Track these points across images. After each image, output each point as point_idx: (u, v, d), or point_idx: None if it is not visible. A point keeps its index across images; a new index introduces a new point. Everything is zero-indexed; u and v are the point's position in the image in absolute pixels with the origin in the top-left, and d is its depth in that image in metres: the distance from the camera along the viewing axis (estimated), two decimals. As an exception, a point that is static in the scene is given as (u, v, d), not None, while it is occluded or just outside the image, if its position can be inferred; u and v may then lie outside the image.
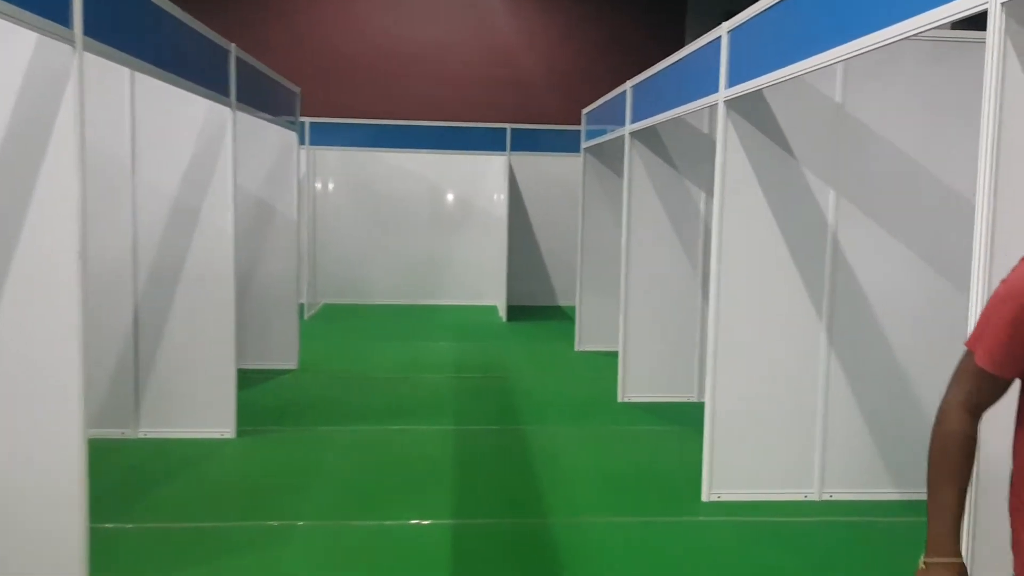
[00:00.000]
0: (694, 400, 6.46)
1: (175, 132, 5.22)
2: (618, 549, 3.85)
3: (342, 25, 12.71)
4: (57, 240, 2.93)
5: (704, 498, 4.41)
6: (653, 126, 5.95)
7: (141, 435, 5.31)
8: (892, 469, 4.45)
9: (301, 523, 4.05)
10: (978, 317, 1.58)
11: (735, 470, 4.41)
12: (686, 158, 6.37)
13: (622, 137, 6.60)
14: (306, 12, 12.64)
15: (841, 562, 3.77)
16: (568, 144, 10.21)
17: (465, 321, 10.61)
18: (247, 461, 4.97)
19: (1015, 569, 1.61)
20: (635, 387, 6.48)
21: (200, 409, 5.33)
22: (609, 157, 8.28)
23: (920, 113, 4.32)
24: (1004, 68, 2.14)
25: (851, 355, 4.40)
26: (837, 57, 3.10)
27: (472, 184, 12.03)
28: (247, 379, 6.63)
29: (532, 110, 12.53)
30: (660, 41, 12.32)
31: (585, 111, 8.49)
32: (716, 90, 4.29)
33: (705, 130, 6.32)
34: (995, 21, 2.14)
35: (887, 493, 4.46)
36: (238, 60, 5.24)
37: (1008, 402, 1.62)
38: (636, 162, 6.34)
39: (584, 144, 8.42)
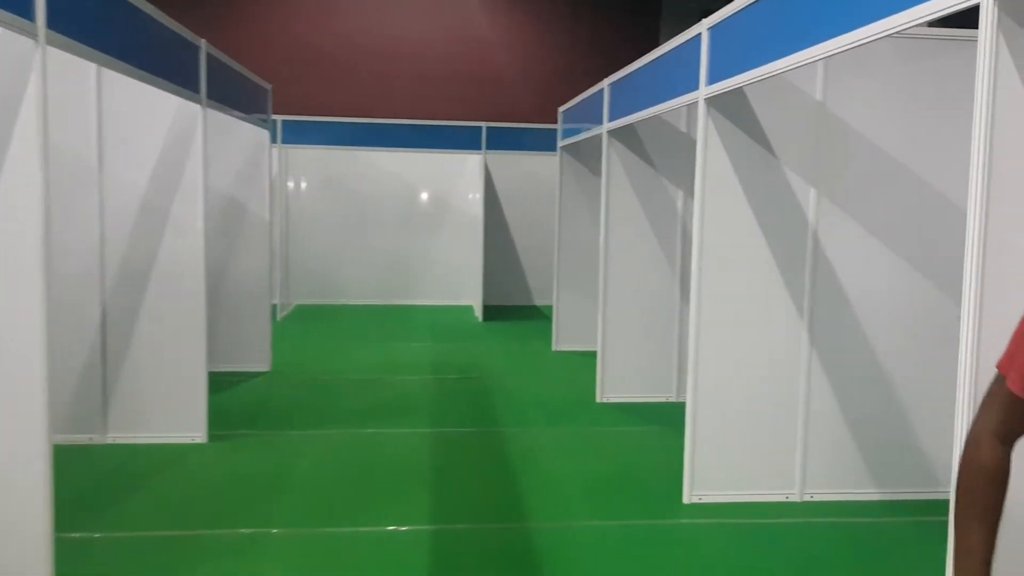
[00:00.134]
0: (673, 400, 6.43)
1: (143, 129, 5.11)
2: (600, 554, 3.79)
3: (315, 21, 12.57)
4: (20, 239, 2.82)
5: (686, 500, 4.36)
6: (631, 124, 5.90)
7: (109, 440, 5.18)
8: (873, 469, 4.44)
9: (275, 530, 3.95)
10: (1010, 338, 1.45)
11: (716, 472, 4.37)
12: (664, 157, 6.33)
13: (599, 135, 6.55)
14: (278, 7, 12.48)
15: (824, 565, 3.74)
16: (544, 143, 10.16)
17: (441, 321, 10.52)
18: (219, 466, 4.85)
19: None
20: (614, 387, 6.44)
21: (170, 413, 5.21)
22: (586, 155, 8.24)
23: (901, 111, 4.30)
24: (996, 65, 2.10)
25: (832, 354, 4.38)
26: (820, 54, 3.05)
27: (447, 183, 11.94)
28: (218, 382, 6.51)
29: (507, 108, 12.47)
30: (635, 41, 12.31)
31: (561, 109, 8.43)
32: (696, 88, 4.25)
33: (683, 128, 6.29)
34: (987, 16, 2.10)
35: (868, 493, 4.44)
36: (208, 56, 5.13)
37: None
38: (614, 160, 6.29)
39: (560, 143, 8.37)
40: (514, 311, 11.40)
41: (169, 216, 5.14)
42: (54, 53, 2.94)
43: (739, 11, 3.78)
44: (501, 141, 10.48)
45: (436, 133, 10.46)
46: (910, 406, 4.40)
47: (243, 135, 7.00)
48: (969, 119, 4.21)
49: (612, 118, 6.16)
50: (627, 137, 6.29)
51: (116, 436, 5.19)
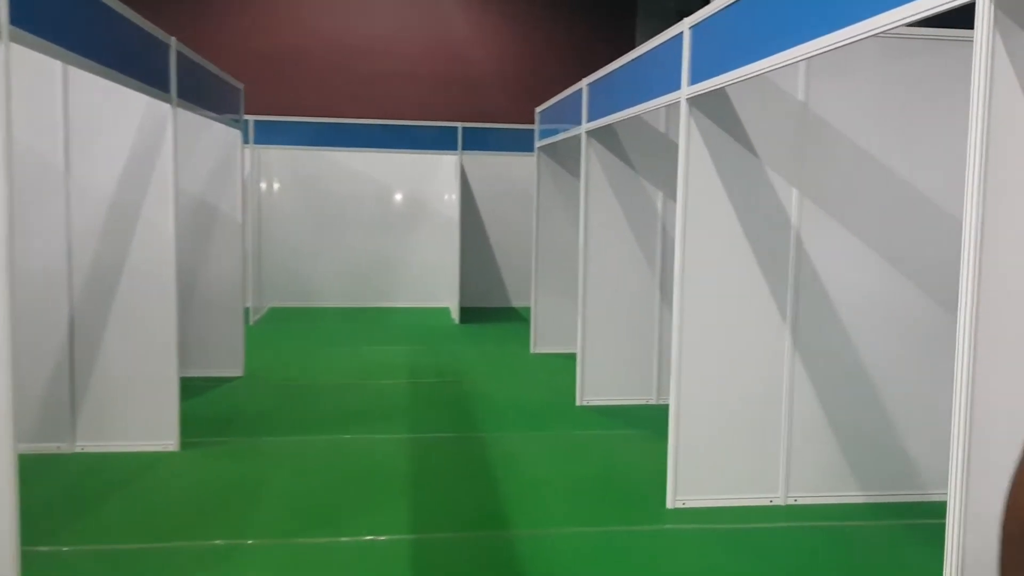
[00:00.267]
0: (653, 402, 6.39)
1: (112, 130, 4.99)
2: (584, 561, 3.72)
3: (287, 20, 12.40)
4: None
5: (669, 505, 4.31)
6: (610, 125, 5.85)
7: (78, 449, 5.05)
8: (857, 472, 4.41)
9: (251, 541, 3.85)
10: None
11: (700, 476, 4.32)
12: (643, 157, 6.29)
13: (577, 136, 6.50)
14: (250, 5, 12.31)
15: (810, 570, 3.70)
16: (520, 143, 10.09)
17: (417, 324, 10.42)
18: (191, 475, 4.73)
19: None
20: (594, 390, 6.38)
21: (141, 421, 5.08)
22: (563, 156, 8.19)
23: (883, 111, 4.28)
24: (993, 64, 2.06)
25: (815, 356, 4.35)
26: (805, 54, 3.01)
27: (423, 184, 11.84)
28: (190, 388, 6.38)
29: (483, 109, 12.39)
30: (611, 42, 12.28)
31: (538, 110, 8.37)
32: (678, 87, 4.20)
33: (662, 129, 6.25)
34: (983, 15, 2.05)
35: (852, 496, 4.42)
36: (179, 54, 5.02)
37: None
38: (593, 161, 6.24)
39: (538, 143, 8.31)
40: (491, 313, 11.32)
41: (139, 218, 5.03)
42: (18, 51, 2.84)
43: (722, 10, 3.73)
44: (477, 141, 10.40)
45: (411, 133, 10.36)
46: (894, 408, 4.38)
47: (215, 135, 6.88)
48: (951, 118, 4.22)
49: (591, 118, 6.10)
50: (606, 137, 6.24)
51: (85, 444, 5.06)
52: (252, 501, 4.34)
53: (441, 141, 10.33)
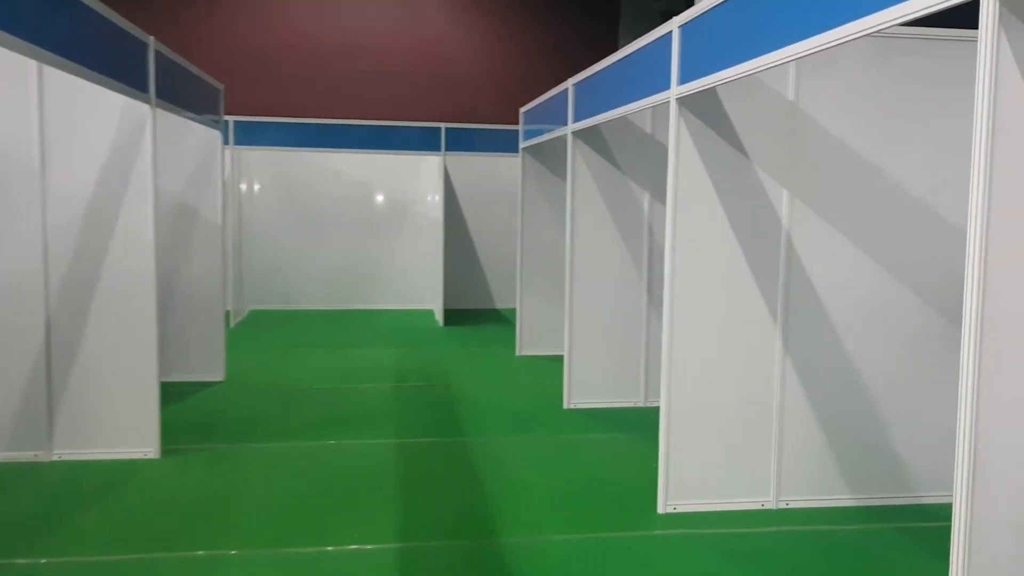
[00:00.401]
0: (640, 405, 6.34)
1: (89, 131, 4.89)
2: (575, 569, 3.66)
3: (268, 19, 12.27)
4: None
5: (660, 510, 4.25)
6: (596, 125, 5.79)
7: (55, 457, 4.94)
8: (848, 475, 4.38)
9: (234, 552, 3.76)
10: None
11: (691, 480, 4.27)
12: (629, 158, 6.24)
13: (563, 137, 6.44)
14: (229, 4, 12.17)
15: (803, 574, 3.65)
16: (504, 144, 10.03)
17: (401, 326, 10.33)
18: (172, 483, 4.63)
19: None
20: (581, 393, 6.33)
21: (120, 427, 4.98)
22: (548, 157, 8.14)
23: (874, 110, 4.25)
24: (997, 62, 2.01)
25: (806, 359, 4.31)
26: (796, 54, 2.97)
27: (406, 185, 11.76)
28: (171, 393, 6.27)
29: (467, 109, 12.31)
30: (594, 43, 12.25)
31: (523, 110, 8.31)
32: (668, 87, 4.14)
33: (648, 130, 6.20)
34: (988, 12, 2.00)
35: (844, 499, 4.38)
36: (157, 54, 4.92)
37: None
38: (579, 162, 6.18)
39: (522, 144, 8.25)
40: (476, 315, 11.25)
41: (117, 221, 4.93)
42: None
43: (711, 9, 3.68)
44: (461, 142, 10.32)
45: (394, 134, 10.26)
46: (885, 411, 4.36)
47: (194, 136, 6.77)
48: (943, 118, 4.20)
49: (577, 119, 6.04)
50: (592, 138, 6.19)
51: (63, 452, 4.95)
52: (235, 510, 4.25)
53: (424, 142, 10.24)
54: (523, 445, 5.43)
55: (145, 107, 4.84)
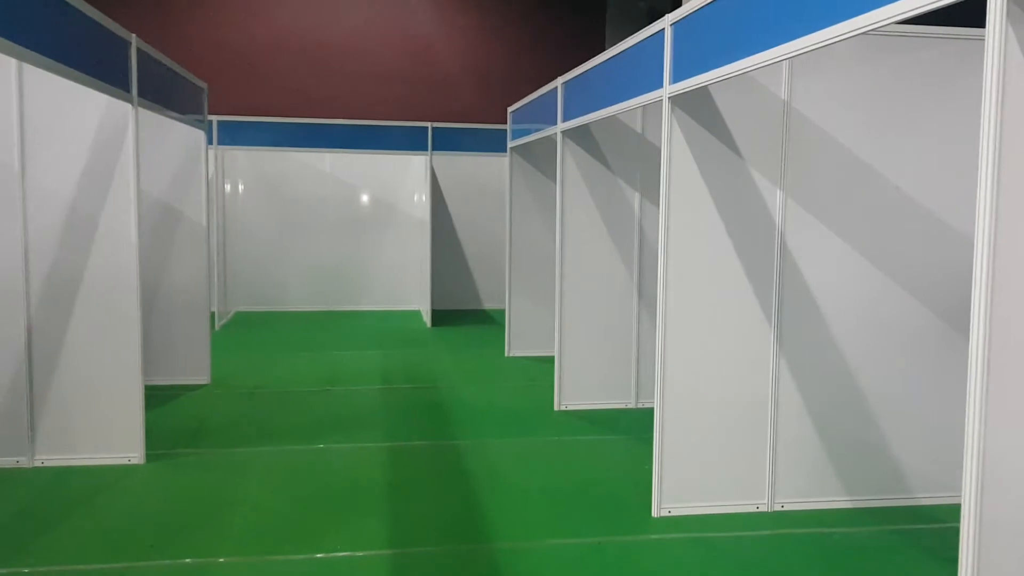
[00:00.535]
0: (632, 407, 6.29)
1: (70, 131, 4.80)
2: (569, 574, 3.60)
3: (252, 18, 12.15)
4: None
5: (654, 513, 4.20)
6: (585, 125, 5.74)
7: (37, 463, 4.85)
8: (843, 477, 4.34)
9: (222, 559, 3.68)
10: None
11: (685, 483, 4.22)
12: (620, 157, 6.19)
13: (551, 136, 6.39)
14: (214, 3, 12.04)
15: (801, 578, 3.63)
16: (491, 143, 9.97)
17: (388, 327, 10.25)
18: (158, 490, 4.55)
19: None
20: (572, 395, 6.27)
21: (104, 432, 4.89)
22: (536, 156, 8.08)
23: (869, 109, 4.22)
24: (1005, 58, 1.97)
25: (800, 360, 4.28)
26: (791, 52, 2.92)
27: (392, 185, 11.67)
28: (155, 397, 6.18)
29: (453, 109, 12.25)
30: (581, 42, 12.21)
31: (511, 109, 8.25)
32: (660, 86, 4.09)
33: (639, 129, 6.15)
34: (995, 7, 1.96)
35: (839, 501, 4.35)
36: (140, 52, 4.83)
37: None
38: (568, 161, 6.13)
39: (510, 143, 8.19)
40: (463, 315, 11.18)
41: (99, 222, 4.84)
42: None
43: (704, 7, 3.63)
44: (447, 142, 10.25)
45: (380, 133, 10.18)
46: (880, 412, 4.32)
47: (178, 136, 6.68)
48: (938, 116, 4.17)
49: (567, 118, 5.99)
50: (582, 137, 6.14)
51: (45, 458, 4.86)
52: (222, 516, 4.17)
53: (411, 141, 10.17)
54: (514, 448, 5.37)
55: (127, 107, 4.76)
